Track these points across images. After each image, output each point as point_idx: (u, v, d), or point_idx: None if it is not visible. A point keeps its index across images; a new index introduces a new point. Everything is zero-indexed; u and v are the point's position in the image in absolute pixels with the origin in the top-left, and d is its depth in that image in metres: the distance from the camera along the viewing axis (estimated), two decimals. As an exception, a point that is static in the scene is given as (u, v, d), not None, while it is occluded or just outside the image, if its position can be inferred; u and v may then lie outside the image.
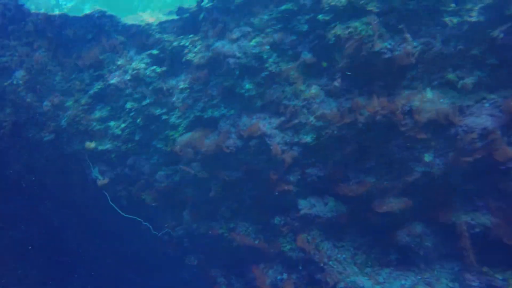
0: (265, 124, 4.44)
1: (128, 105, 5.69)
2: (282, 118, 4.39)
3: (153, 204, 6.24)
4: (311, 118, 4.10)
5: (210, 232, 5.45)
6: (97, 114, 6.62)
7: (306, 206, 4.36)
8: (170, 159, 6.17)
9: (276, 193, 4.49)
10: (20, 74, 7.54)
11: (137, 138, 6.10)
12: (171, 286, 8.41)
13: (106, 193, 6.33)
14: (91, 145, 6.25)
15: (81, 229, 10.45)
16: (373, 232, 4.26)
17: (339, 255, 4.24)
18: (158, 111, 5.65)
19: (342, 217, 4.25)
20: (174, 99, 5.28)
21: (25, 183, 10.54)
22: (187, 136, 5.18)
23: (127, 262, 10.11)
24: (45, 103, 7.15)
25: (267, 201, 4.95)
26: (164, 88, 5.30)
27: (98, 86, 6.30)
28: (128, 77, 5.58)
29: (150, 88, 5.45)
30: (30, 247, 12.25)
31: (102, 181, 6.33)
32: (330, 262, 4.22)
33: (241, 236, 5.07)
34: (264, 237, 5.03)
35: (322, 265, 4.22)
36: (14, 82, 7.51)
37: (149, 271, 9.29)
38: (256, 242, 5.00)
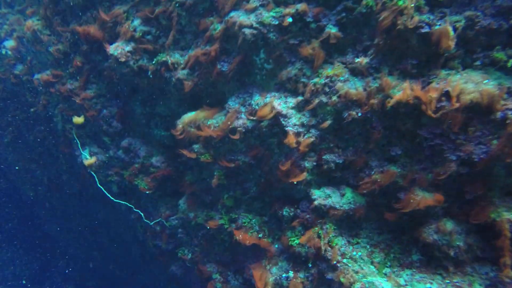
0: (280, 103, 4.01)
1: (127, 79, 5.21)
2: (300, 98, 3.96)
3: (147, 191, 5.74)
4: (334, 98, 3.67)
5: (208, 223, 4.97)
6: (93, 90, 6.12)
7: (320, 196, 3.92)
8: (169, 142, 5.69)
9: (288, 181, 4.04)
10: (9, 43, 6.99)
11: (135, 114, 5.61)
12: (159, 282, 7.86)
13: (93, 174, 5.80)
14: (79, 120, 5.71)
15: (63, 218, 9.84)
16: (394, 228, 3.84)
17: (354, 253, 3.81)
18: (161, 86, 5.19)
19: (359, 210, 3.82)
20: (179, 75, 4.82)
21: (6, 167, 9.92)
22: (191, 115, 4.72)
23: (111, 255, 9.51)
24: (35, 76, 6.60)
25: (276, 191, 4.51)
26: (169, 62, 4.84)
27: (97, 58, 5.80)
28: (129, 48, 5.10)
29: (154, 61, 4.98)
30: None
31: (89, 160, 5.79)
32: (344, 260, 3.78)
33: (243, 229, 4.60)
34: (269, 230, 4.58)
35: (335, 263, 3.78)
36: (3, 52, 6.96)
37: (136, 266, 8.71)
38: (260, 235, 4.54)
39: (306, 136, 3.90)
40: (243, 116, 4.33)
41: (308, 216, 4.03)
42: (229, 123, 4.34)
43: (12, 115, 8.03)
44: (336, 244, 3.85)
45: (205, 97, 4.96)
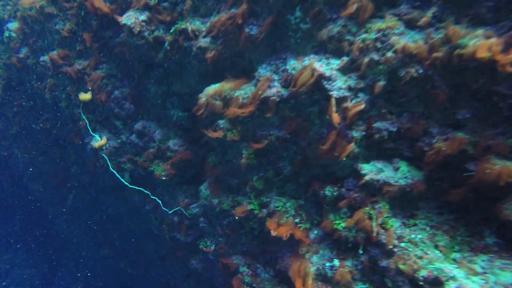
0: (322, 65, 3.48)
1: (143, 50, 4.72)
2: (345, 58, 3.43)
3: (163, 178, 5.23)
4: (389, 54, 3.14)
5: (236, 209, 4.45)
6: (103, 70, 5.63)
7: (371, 170, 3.39)
8: (187, 124, 5.18)
9: (332, 156, 3.51)
10: (13, 25, 6.53)
11: (150, 94, 5.12)
12: (175, 280, 7.34)
13: (106, 157, 5.30)
14: (86, 96, 5.20)
15: (71, 214, 9.39)
16: (456, 207, 3.30)
17: (413, 236, 3.26)
18: (179, 59, 4.69)
19: (418, 186, 3.28)
20: (201, 43, 4.31)
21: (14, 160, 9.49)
22: (215, 87, 4.21)
23: (122, 252, 9.02)
24: (41, 58, 6.13)
25: (314, 169, 3.98)
26: (189, 29, 4.33)
27: (109, 33, 5.31)
28: (144, 17, 4.61)
29: (172, 29, 4.48)
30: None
31: (99, 141, 5.29)
32: (403, 244, 3.24)
33: (277, 215, 4.07)
34: (307, 215, 4.05)
35: (391, 247, 3.24)
36: (6, 35, 6.49)
37: (149, 263, 8.20)
38: (297, 220, 4.01)
39: (353, 101, 3.37)
40: (276, 84, 3.81)
41: (356, 195, 3.50)
42: (260, 92, 3.83)
43: (17, 103, 7.58)
44: (391, 226, 3.30)
45: (229, 69, 4.45)
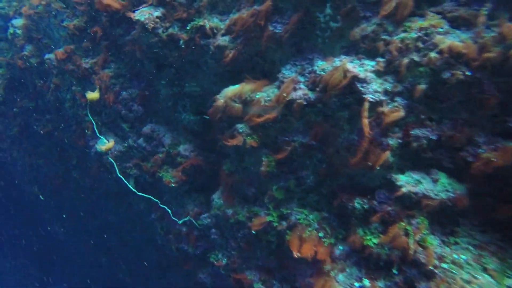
0: (355, 66, 3.20)
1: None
2: (381, 59, 3.16)
3: (172, 185, 4.91)
4: (432, 54, 2.86)
5: (252, 220, 4.12)
6: (112, 69, 5.36)
7: (408, 182, 3.09)
8: (199, 128, 4.88)
9: (363, 165, 3.21)
10: (18, 22, 6.27)
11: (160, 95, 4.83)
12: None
13: (113, 161, 4.98)
14: (94, 95, 4.91)
15: (70, 219, 9.01)
16: (502, 225, 2.99)
17: (455, 256, 2.95)
18: (194, 59, 4.42)
19: (461, 200, 2.98)
20: (219, 41, 4.04)
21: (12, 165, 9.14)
22: (234, 88, 3.92)
23: (122, 261, 8.63)
24: (46, 56, 5.86)
25: (340, 179, 3.67)
26: (208, 26, 4.07)
27: (119, 31, 5.04)
28: (158, 13, 4.35)
29: (188, 26, 4.21)
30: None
31: (107, 144, 4.97)
32: (444, 265, 2.92)
33: (298, 228, 3.75)
34: (331, 229, 3.72)
35: (431, 268, 2.92)
36: (11, 32, 6.22)
37: (150, 273, 7.81)
38: (321, 234, 3.68)
39: (390, 106, 3.08)
40: (302, 86, 3.53)
41: (390, 208, 3.18)
42: (284, 95, 3.54)
43: (19, 105, 7.27)
44: (430, 244, 2.99)
45: (248, 71, 4.17)
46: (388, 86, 3.09)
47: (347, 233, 3.67)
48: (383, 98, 3.08)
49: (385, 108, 3.04)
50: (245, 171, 4.30)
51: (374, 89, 3.08)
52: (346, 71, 3.15)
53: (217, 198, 4.62)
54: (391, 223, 3.17)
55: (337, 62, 3.30)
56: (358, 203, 3.42)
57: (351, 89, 3.18)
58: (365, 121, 3.11)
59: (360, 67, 3.18)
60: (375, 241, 3.24)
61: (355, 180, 3.61)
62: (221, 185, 4.62)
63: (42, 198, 8.38)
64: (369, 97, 3.07)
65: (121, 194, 6.45)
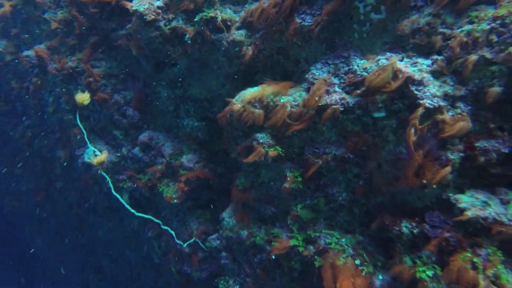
0: (407, 66, 2.68)
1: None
2: (438, 57, 2.64)
3: (174, 201, 4.29)
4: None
5: (273, 244, 3.55)
6: (102, 68, 4.69)
7: (473, 204, 2.58)
8: (204, 136, 4.28)
9: (417, 183, 2.69)
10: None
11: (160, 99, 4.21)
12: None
13: (106, 177, 4.33)
14: (84, 97, 4.24)
15: (54, 234, 8.20)
16: None
17: (533, 294, 2.45)
18: (201, 57, 3.83)
19: (537, 227, 2.48)
20: (234, 36, 3.46)
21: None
22: (253, 91, 3.34)
23: (112, 281, 7.88)
24: (25, 53, 5.13)
25: (379, 197, 3.14)
26: (219, 18, 3.48)
27: (111, 25, 4.39)
28: (159, 3, 3.72)
29: (196, 18, 3.61)
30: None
31: (99, 156, 4.32)
32: (522, 306, 2.42)
33: (330, 254, 3.20)
34: (368, 255, 3.19)
35: (506, 310, 2.42)
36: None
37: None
38: (357, 262, 3.14)
39: (450, 114, 2.57)
40: (337, 89, 2.98)
41: (448, 234, 2.67)
42: (316, 99, 2.98)
43: (-8, 108, 6.47)
44: (507, 281, 2.48)
45: (266, 71, 3.61)
46: (448, 89, 2.58)
47: (386, 260, 3.15)
48: (442, 103, 2.56)
49: (446, 116, 2.53)
50: (262, 187, 3.72)
51: (433, 93, 2.56)
52: (397, 71, 2.62)
53: (228, 217, 4.02)
54: (451, 253, 2.65)
55: (383, 60, 2.77)
56: (406, 227, 2.89)
57: (403, 93, 2.65)
58: (411, 132, 2.59)
59: (413, 67, 2.65)
60: (429, 273, 2.72)
61: (397, 198, 3.08)
62: (233, 203, 4.02)
63: (17, 206, 7.57)
64: (426, 102, 2.55)
65: (112, 209, 5.76)
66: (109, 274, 7.83)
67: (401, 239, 2.92)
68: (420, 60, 2.69)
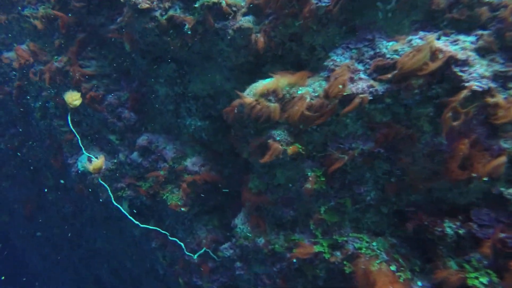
0: (446, 44, 2.34)
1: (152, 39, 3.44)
2: (484, 32, 2.31)
3: (181, 209, 3.94)
4: None
5: (295, 251, 3.21)
6: (93, 67, 4.30)
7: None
8: (209, 136, 3.92)
9: (468, 176, 2.37)
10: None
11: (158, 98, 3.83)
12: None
13: (105, 186, 3.95)
14: (74, 97, 3.84)
15: (49, 247, 7.76)
16: None
17: None
18: (203, 49, 3.47)
19: None
20: (241, 22, 3.10)
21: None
22: (266, 83, 2.98)
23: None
24: (4, 54, 4.70)
25: (413, 194, 2.81)
26: (224, 3, 3.10)
27: (100, 20, 3.99)
28: (155, -10, 3.33)
29: (197, 4, 3.23)
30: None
31: (95, 163, 3.94)
32: None
33: (362, 260, 2.88)
34: (404, 259, 2.87)
35: None
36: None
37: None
38: (393, 268, 2.82)
39: (503, 96, 2.24)
40: (362, 75, 2.64)
41: (504, 235, 2.35)
42: (340, 87, 2.64)
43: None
44: None
45: (276, 61, 3.26)
46: (499, 68, 2.25)
47: (424, 264, 2.83)
48: (492, 85, 2.24)
49: (499, 99, 2.20)
50: (278, 189, 3.36)
51: (480, 73, 2.24)
52: (436, 51, 2.29)
53: (241, 224, 3.67)
54: (509, 256, 2.34)
55: (416, 40, 2.44)
56: (449, 227, 2.56)
57: (443, 75, 2.32)
58: (447, 116, 2.27)
59: (454, 45, 2.32)
60: (483, 280, 2.40)
61: (433, 194, 2.76)
62: (245, 207, 3.66)
63: (8, 220, 7.11)
64: (474, 84, 2.22)
65: (111, 219, 5.37)
66: (110, 286, 7.42)
67: (444, 241, 2.60)
68: (461, 37, 2.36)
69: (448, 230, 2.56)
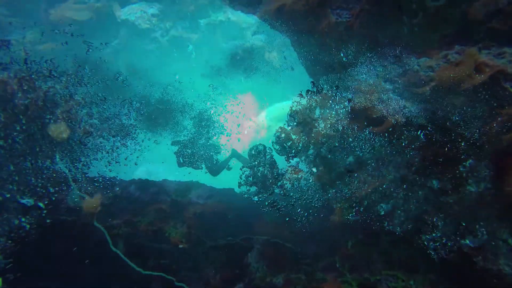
0: (489, 58, 2.12)
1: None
2: (527, 44, 2.11)
3: (182, 245, 3.55)
4: None
5: (319, 293, 2.84)
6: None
7: None
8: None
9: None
10: None
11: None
12: None
13: (103, 230, 3.52)
14: (61, 130, 3.44)
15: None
16: None
17: None
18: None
19: None
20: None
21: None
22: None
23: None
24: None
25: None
26: None
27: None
28: (154, 10, 3.09)
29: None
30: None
31: (88, 201, 3.53)
32: None
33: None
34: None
35: None
36: None
37: None
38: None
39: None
40: (392, 95, 2.39)
41: None
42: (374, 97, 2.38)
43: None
44: None
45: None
46: (550, 82, 2.04)
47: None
48: (544, 101, 2.01)
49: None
50: (297, 221, 3.03)
51: (531, 88, 2.01)
52: (480, 65, 2.06)
53: (254, 262, 3.29)
54: None
55: (454, 55, 2.22)
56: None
57: (487, 91, 2.08)
58: None
59: (500, 58, 2.10)
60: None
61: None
62: (259, 242, 3.30)
63: None
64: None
65: (106, 258, 4.86)
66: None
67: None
68: (507, 49, 2.14)
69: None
